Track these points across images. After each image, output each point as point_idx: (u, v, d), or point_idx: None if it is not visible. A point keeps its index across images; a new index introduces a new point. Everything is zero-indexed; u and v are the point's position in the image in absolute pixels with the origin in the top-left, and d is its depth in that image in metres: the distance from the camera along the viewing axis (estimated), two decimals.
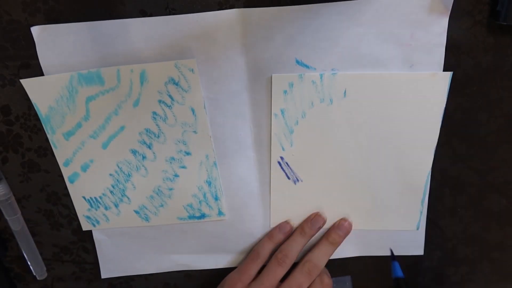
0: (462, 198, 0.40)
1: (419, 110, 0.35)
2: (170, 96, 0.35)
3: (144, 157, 0.38)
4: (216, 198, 0.40)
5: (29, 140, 0.38)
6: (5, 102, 0.36)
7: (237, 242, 0.42)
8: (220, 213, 0.40)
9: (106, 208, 0.40)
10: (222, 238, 0.42)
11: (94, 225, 0.41)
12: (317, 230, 0.40)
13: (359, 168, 0.38)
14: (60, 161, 0.38)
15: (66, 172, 0.39)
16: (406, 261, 0.43)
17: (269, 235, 0.41)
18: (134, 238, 0.42)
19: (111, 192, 0.40)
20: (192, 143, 0.37)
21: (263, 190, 0.39)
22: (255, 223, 0.41)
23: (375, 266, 0.43)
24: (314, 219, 0.40)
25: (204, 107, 0.35)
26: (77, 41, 0.33)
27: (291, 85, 0.35)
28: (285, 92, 0.35)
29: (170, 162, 0.38)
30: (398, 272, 0.38)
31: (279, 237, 0.40)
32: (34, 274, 0.44)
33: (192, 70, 0.34)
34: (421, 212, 0.40)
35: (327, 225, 0.40)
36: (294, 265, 0.40)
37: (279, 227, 0.41)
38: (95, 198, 0.40)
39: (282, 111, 0.36)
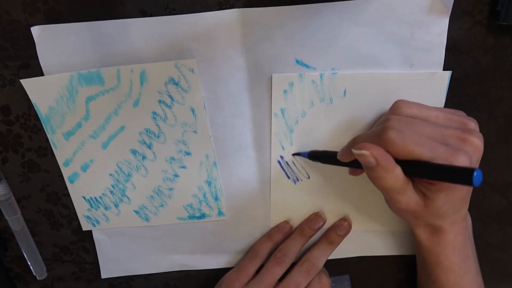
0: None
1: None
2: (170, 96, 0.35)
3: (144, 157, 0.38)
4: (216, 198, 0.40)
5: (29, 140, 0.38)
6: (5, 102, 0.36)
7: (237, 242, 0.42)
8: (220, 213, 0.40)
9: (106, 208, 0.40)
10: (222, 238, 0.42)
11: (94, 225, 0.41)
12: (317, 230, 0.40)
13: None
14: (60, 161, 0.38)
15: (66, 172, 0.39)
16: (406, 261, 0.43)
17: (268, 234, 0.41)
18: (134, 238, 0.42)
19: (111, 192, 0.40)
20: (192, 143, 0.37)
21: (263, 190, 0.39)
22: (255, 223, 0.41)
23: (375, 266, 0.43)
24: (314, 219, 0.40)
25: (204, 107, 0.35)
26: (77, 41, 0.33)
27: (291, 84, 0.35)
28: (285, 91, 0.35)
29: (170, 162, 0.38)
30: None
31: (278, 236, 0.40)
32: (34, 274, 0.44)
33: (192, 70, 0.34)
34: None
35: (327, 225, 0.40)
36: (293, 265, 0.40)
37: (278, 227, 0.41)
38: (95, 198, 0.40)
39: (282, 111, 0.36)
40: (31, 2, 0.32)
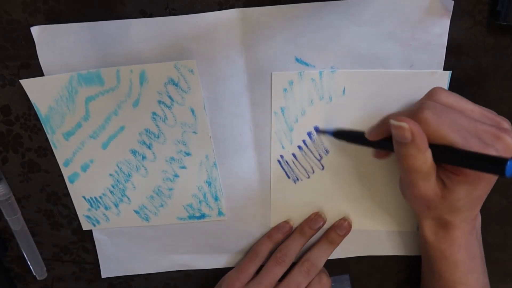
0: None
1: None
2: (170, 97, 0.35)
3: (144, 157, 0.38)
4: (216, 198, 0.40)
5: (29, 140, 0.38)
6: (5, 102, 0.36)
7: (237, 242, 0.42)
8: (220, 213, 0.40)
9: (106, 208, 0.40)
10: (222, 238, 0.42)
11: (94, 225, 0.41)
12: (317, 230, 0.40)
13: (359, 167, 0.38)
14: (60, 161, 0.38)
15: (66, 172, 0.39)
16: (406, 261, 0.43)
17: (268, 234, 0.41)
18: (134, 238, 0.42)
19: (111, 192, 0.40)
20: (192, 144, 0.37)
21: (263, 190, 0.39)
22: (255, 223, 0.41)
23: (375, 266, 0.43)
24: (314, 219, 0.40)
25: (204, 108, 0.35)
26: (77, 41, 0.33)
27: (290, 83, 0.35)
28: (285, 90, 0.35)
29: (170, 162, 0.38)
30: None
31: (278, 236, 0.40)
32: (34, 274, 0.44)
33: (192, 71, 0.34)
34: None
35: (327, 225, 0.40)
36: (293, 265, 0.40)
37: (278, 227, 0.41)
38: (95, 198, 0.40)
39: (282, 109, 0.36)
40: (31, 2, 0.32)
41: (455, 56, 0.34)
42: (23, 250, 0.42)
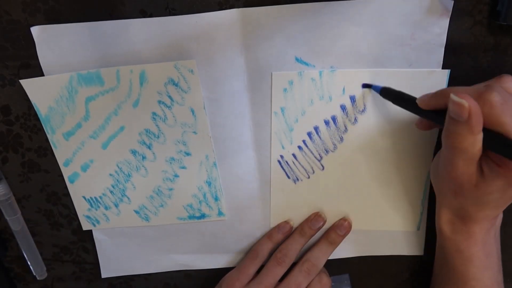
0: None
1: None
2: (170, 97, 0.35)
3: (144, 157, 0.38)
4: (216, 198, 0.40)
5: (29, 140, 0.38)
6: (5, 102, 0.36)
7: (237, 242, 0.42)
8: (220, 213, 0.40)
9: (106, 208, 0.40)
10: (222, 238, 0.42)
11: (94, 225, 0.41)
12: (317, 230, 0.40)
13: (359, 167, 0.38)
14: (60, 161, 0.38)
15: (66, 172, 0.39)
16: (406, 261, 0.43)
17: (268, 234, 0.41)
18: (134, 238, 0.42)
19: (111, 192, 0.40)
20: (192, 144, 0.37)
21: (263, 190, 0.39)
22: (255, 223, 0.41)
23: (375, 266, 0.43)
24: (314, 219, 0.40)
25: (204, 108, 0.35)
26: (77, 41, 0.33)
27: (290, 82, 0.35)
28: (285, 90, 0.35)
29: (170, 163, 0.38)
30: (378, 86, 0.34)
31: (278, 237, 0.40)
32: (34, 274, 0.44)
33: (192, 71, 0.34)
34: (421, 212, 0.40)
35: (327, 225, 0.40)
36: (293, 265, 0.40)
37: (278, 227, 0.41)
38: (95, 198, 0.40)
39: (282, 109, 0.36)
40: (31, 2, 0.32)
41: (455, 56, 0.34)
42: (23, 250, 0.42)
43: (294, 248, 0.39)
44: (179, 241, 0.42)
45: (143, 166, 0.38)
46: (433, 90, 0.33)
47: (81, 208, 0.41)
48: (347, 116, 0.36)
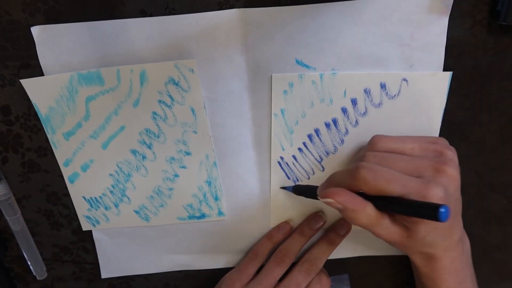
0: (462, 198, 0.40)
1: (419, 110, 0.35)
2: (170, 96, 0.35)
3: (144, 157, 0.38)
4: (216, 198, 0.40)
5: (29, 140, 0.38)
6: (5, 102, 0.36)
7: (237, 242, 0.42)
8: (220, 213, 0.40)
9: (106, 208, 0.40)
10: (222, 238, 0.42)
11: (94, 225, 0.41)
12: (317, 231, 0.40)
13: None
14: (60, 161, 0.38)
15: (66, 172, 0.39)
16: (406, 261, 0.43)
17: (268, 235, 0.41)
18: (134, 238, 0.42)
19: (111, 192, 0.40)
20: (192, 143, 0.37)
21: (263, 190, 0.39)
22: (255, 223, 0.41)
23: (375, 266, 0.43)
24: (314, 219, 0.40)
25: (204, 107, 0.35)
26: (77, 41, 0.33)
27: (291, 85, 0.35)
28: (285, 92, 0.35)
29: (170, 162, 0.38)
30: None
31: (278, 237, 0.40)
32: (34, 274, 0.44)
33: (192, 70, 0.34)
34: None
35: (327, 225, 0.40)
36: (293, 265, 0.40)
37: (278, 227, 0.41)
38: (95, 198, 0.40)
39: (282, 111, 0.36)
40: (31, 2, 0.32)
41: (455, 56, 0.34)
42: (23, 250, 0.42)
43: (294, 248, 0.39)
44: (179, 241, 0.42)
45: (143, 166, 0.38)
46: (435, 93, 0.34)
47: (81, 208, 0.41)
48: (348, 119, 0.36)
